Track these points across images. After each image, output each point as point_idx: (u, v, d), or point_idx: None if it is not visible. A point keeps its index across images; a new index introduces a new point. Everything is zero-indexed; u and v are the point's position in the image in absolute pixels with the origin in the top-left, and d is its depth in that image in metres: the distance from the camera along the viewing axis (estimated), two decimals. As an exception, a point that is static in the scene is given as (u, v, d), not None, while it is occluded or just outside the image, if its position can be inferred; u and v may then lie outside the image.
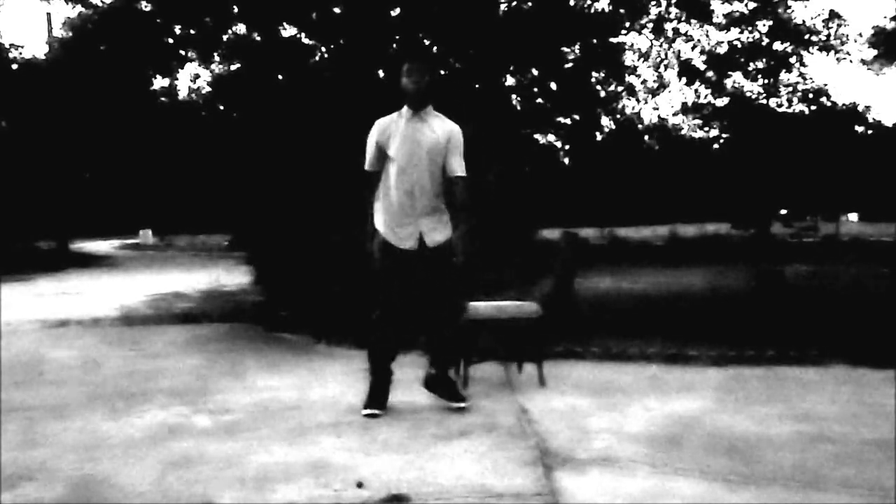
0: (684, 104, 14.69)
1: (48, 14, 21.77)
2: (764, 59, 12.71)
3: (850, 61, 13.86)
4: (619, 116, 14.62)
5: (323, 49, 7.99)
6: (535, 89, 9.82)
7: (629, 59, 12.21)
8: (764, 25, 12.11)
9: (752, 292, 7.90)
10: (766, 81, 13.42)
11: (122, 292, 11.02)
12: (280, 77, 7.81)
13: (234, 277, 11.13)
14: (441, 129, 3.83)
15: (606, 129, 15.11)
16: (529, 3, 8.39)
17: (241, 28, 8.30)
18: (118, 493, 2.80)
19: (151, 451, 3.27)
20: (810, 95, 14.67)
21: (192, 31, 8.50)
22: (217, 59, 9.04)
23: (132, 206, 33.56)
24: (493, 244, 3.96)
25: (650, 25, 11.20)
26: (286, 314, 6.98)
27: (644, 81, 13.17)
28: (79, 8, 9.75)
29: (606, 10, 9.71)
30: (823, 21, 12.93)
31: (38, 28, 69.14)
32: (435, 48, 7.74)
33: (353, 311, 6.26)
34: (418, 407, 3.95)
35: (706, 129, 19.03)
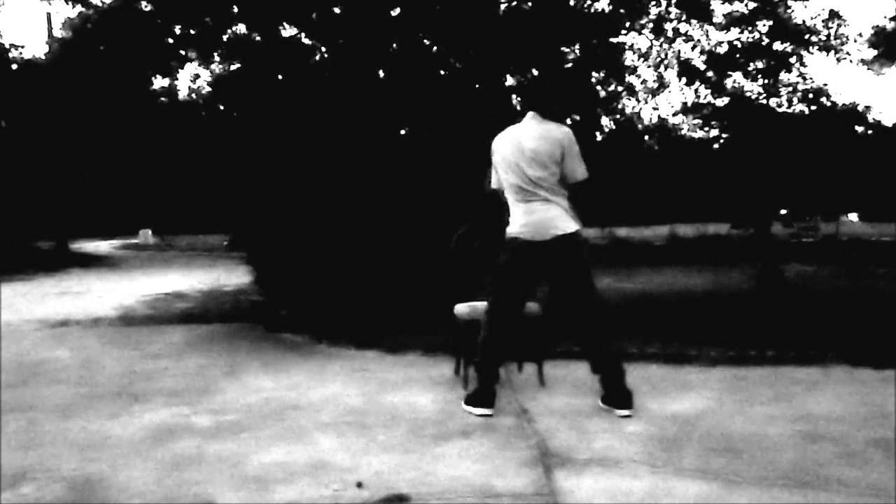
0: (684, 104, 14.66)
1: (48, 14, 21.81)
2: (764, 59, 12.70)
3: (850, 61, 13.85)
4: (619, 116, 14.60)
5: (323, 49, 7.98)
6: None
7: (629, 59, 12.20)
8: (764, 25, 12.10)
9: (751, 292, 7.90)
10: (766, 81, 13.41)
11: (122, 292, 11.02)
12: (280, 77, 7.80)
13: (234, 277, 11.14)
14: None
15: (606, 129, 15.09)
16: (529, 3, 8.38)
17: (241, 28, 8.30)
18: (118, 493, 2.80)
19: (151, 451, 3.27)
20: (810, 95, 14.66)
21: (192, 31, 8.49)
22: (217, 59, 9.03)
23: (132, 206, 33.53)
24: (494, 244, 3.96)
25: (650, 25, 11.18)
26: (286, 314, 6.97)
27: (644, 81, 13.15)
28: (79, 8, 9.74)
29: (606, 10, 9.70)
30: (823, 21, 12.93)
31: (38, 28, 69.12)
32: (435, 48, 7.73)
33: (352, 311, 6.27)
34: (418, 407, 3.95)
35: (706, 129, 19.02)
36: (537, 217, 3.79)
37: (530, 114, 3.94)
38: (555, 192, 3.81)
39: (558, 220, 3.78)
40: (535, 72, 8.37)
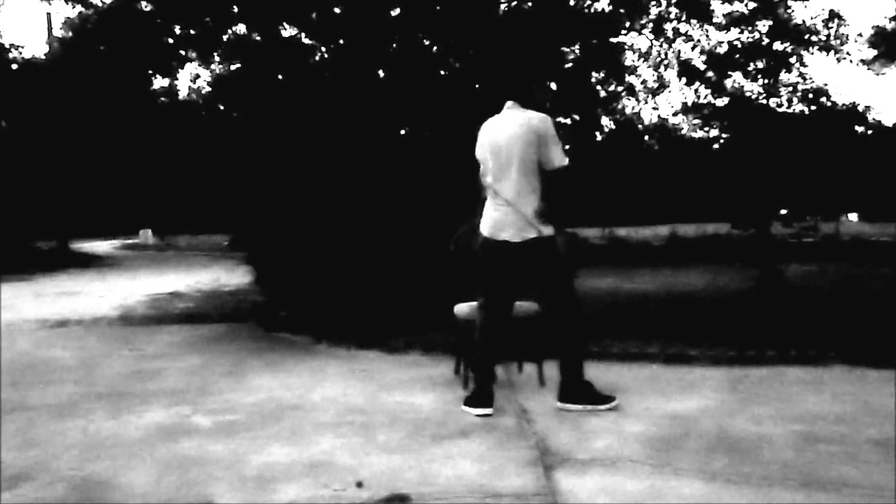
0: (684, 104, 14.66)
1: (48, 14, 21.83)
2: (764, 59, 12.70)
3: (850, 61, 13.86)
4: (619, 116, 14.61)
5: (323, 49, 7.98)
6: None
7: (629, 59, 12.20)
8: (764, 25, 12.10)
9: (751, 292, 7.90)
10: (766, 81, 13.40)
11: (121, 292, 11.02)
12: (280, 77, 7.80)
13: (234, 277, 11.14)
14: None
15: (606, 129, 15.09)
16: (529, 3, 8.37)
17: (241, 28, 8.30)
18: (118, 493, 2.80)
19: (151, 451, 3.27)
20: (810, 95, 14.65)
21: (192, 31, 8.49)
22: (217, 59, 9.03)
23: (132, 206, 33.55)
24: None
25: (650, 25, 11.18)
26: (286, 314, 6.97)
27: (644, 81, 13.15)
28: (79, 8, 9.73)
29: (606, 10, 9.70)
30: (823, 21, 12.92)
31: (38, 28, 69.16)
32: (435, 48, 7.73)
33: (352, 311, 6.27)
34: (418, 407, 3.95)
35: (706, 129, 19.01)
36: (492, 218, 3.86)
37: (509, 103, 3.94)
38: (519, 193, 3.77)
39: (511, 225, 3.79)
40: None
